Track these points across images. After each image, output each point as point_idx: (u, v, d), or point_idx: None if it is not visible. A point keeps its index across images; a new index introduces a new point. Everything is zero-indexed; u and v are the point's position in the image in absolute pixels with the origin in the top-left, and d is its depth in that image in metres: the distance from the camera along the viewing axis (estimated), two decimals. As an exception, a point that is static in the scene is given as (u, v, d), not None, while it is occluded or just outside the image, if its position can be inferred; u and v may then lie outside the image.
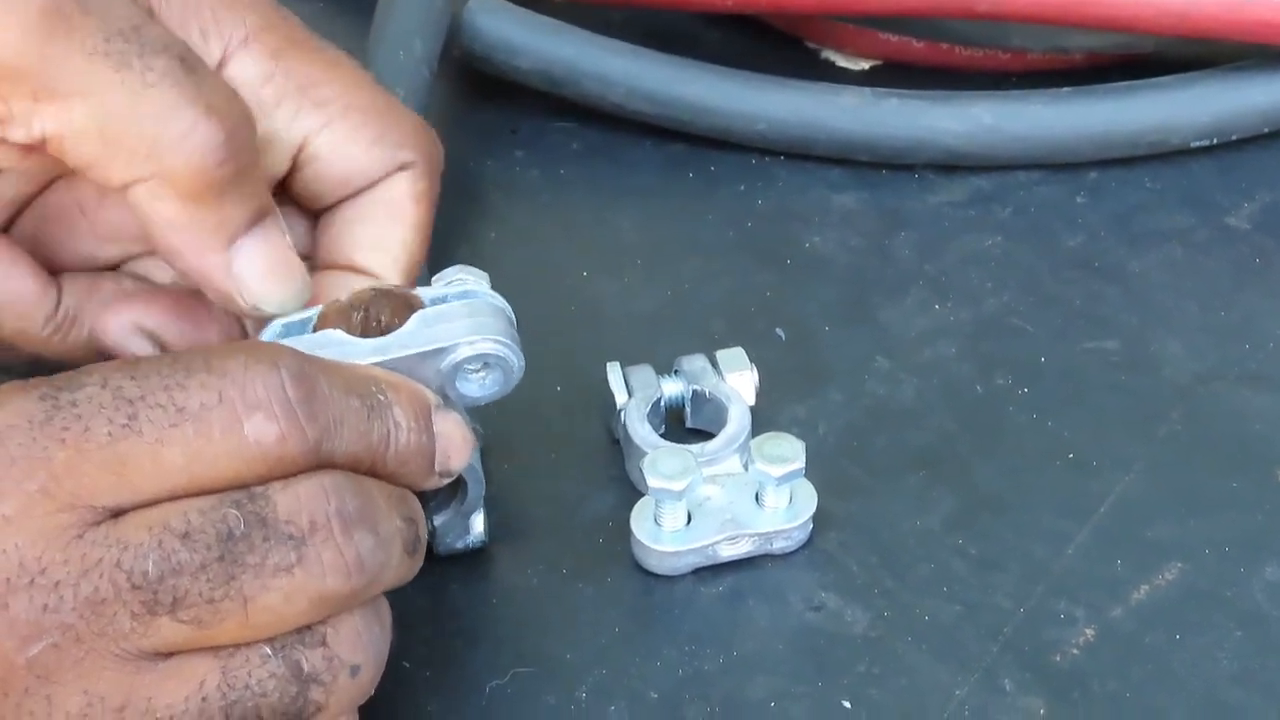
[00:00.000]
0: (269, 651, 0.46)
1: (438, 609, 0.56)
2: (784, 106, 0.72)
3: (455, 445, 0.51)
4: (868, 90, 0.72)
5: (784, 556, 0.58)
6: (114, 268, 0.58)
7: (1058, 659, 0.56)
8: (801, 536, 0.58)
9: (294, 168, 0.56)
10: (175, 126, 0.49)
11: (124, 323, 0.54)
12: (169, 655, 0.46)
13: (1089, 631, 0.56)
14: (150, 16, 0.51)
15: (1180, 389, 0.64)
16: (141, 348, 0.54)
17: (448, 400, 0.52)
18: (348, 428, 0.47)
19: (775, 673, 0.55)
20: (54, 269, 0.56)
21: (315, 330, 0.53)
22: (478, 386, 0.54)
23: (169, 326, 0.55)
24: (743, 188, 0.72)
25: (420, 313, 0.53)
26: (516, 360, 0.53)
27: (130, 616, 0.45)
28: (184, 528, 0.45)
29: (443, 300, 0.53)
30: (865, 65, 0.78)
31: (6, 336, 0.55)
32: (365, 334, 0.52)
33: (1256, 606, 0.57)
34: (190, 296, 0.56)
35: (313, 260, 0.57)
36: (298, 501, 0.46)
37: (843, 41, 0.78)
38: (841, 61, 0.78)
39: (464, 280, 0.54)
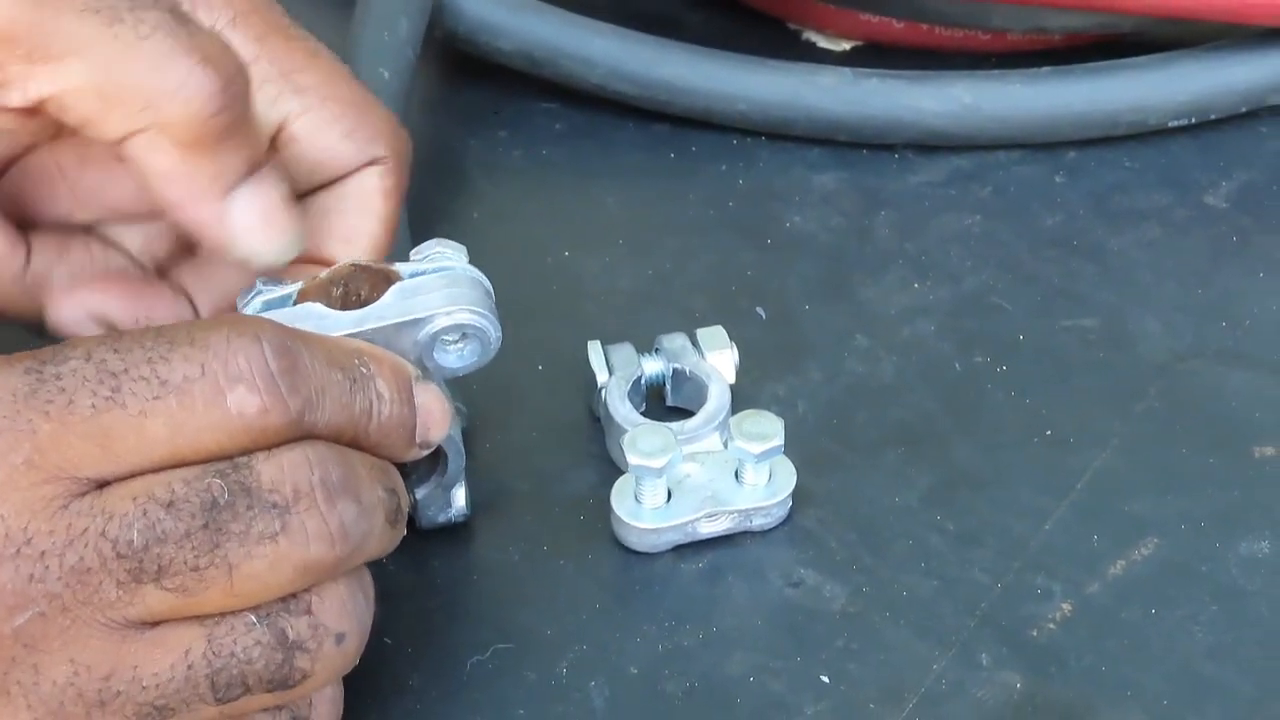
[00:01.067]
0: (254, 620, 0.46)
1: (419, 584, 0.57)
2: (764, 87, 0.72)
3: (434, 417, 0.51)
4: (848, 70, 0.72)
5: (763, 533, 0.59)
6: (88, 230, 0.58)
7: (1035, 634, 0.56)
8: (780, 513, 0.59)
9: (271, 150, 0.56)
10: (171, 76, 0.50)
11: (77, 308, 0.55)
12: (155, 624, 0.46)
13: (1066, 606, 0.57)
14: None
15: (1158, 366, 0.64)
16: (93, 332, 0.54)
17: (426, 372, 0.53)
18: (330, 399, 0.48)
19: (754, 648, 0.56)
20: (26, 226, 0.56)
21: (295, 304, 0.53)
22: (456, 357, 0.54)
23: (123, 311, 0.55)
24: (724, 167, 0.72)
25: (398, 285, 0.53)
26: (494, 331, 0.54)
27: (116, 585, 0.45)
28: (168, 497, 0.45)
29: (420, 274, 0.54)
30: (846, 46, 0.78)
31: None
32: (345, 308, 0.52)
33: (1232, 581, 0.57)
34: (144, 281, 0.56)
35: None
36: (281, 471, 0.46)
37: (823, 22, 0.78)
38: (822, 42, 0.78)
39: (443, 254, 0.54)
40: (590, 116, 0.74)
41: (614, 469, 0.60)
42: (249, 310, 0.53)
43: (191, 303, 0.56)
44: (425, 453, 0.52)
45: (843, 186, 0.71)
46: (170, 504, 0.45)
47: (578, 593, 0.57)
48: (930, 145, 0.73)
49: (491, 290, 0.54)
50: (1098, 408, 0.63)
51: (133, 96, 0.50)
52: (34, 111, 0.51)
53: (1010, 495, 0.60)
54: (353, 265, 0.54)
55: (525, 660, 0.55)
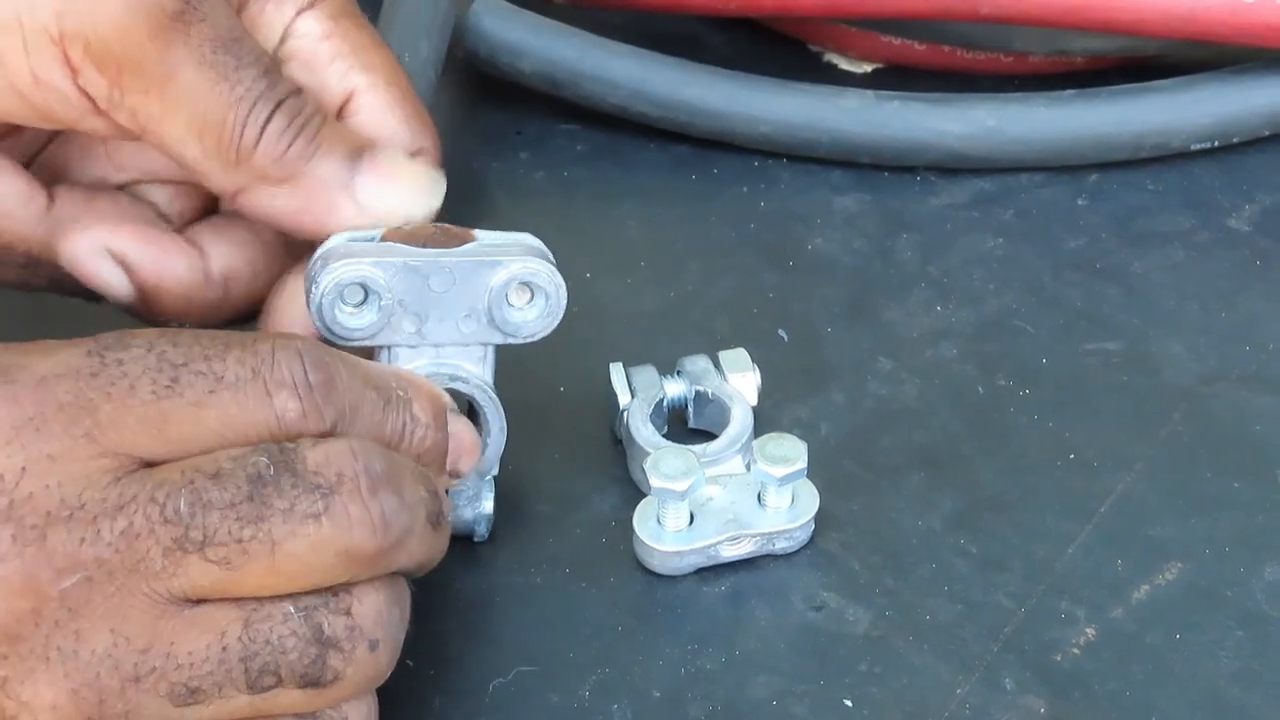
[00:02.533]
0: (292, 609, 0.47)
1: (441, 607, 0.57)
2: (787, 109, 0.72)
3: (465, 447, 0.53)
4: (870, 93, 0.72)
5: (786, 556, 0.59)
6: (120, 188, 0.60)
7: (1059, 658, 0.56)
8: (803, 536, 0.59)
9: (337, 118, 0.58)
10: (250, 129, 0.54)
11: (92, 242, 0.56)
12: (195, 603, 0.47)
13: (1090, 631, 0.57)
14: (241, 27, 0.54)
15: (1181, 390, 0.64)
16: (110, 271, 0.56)
17: (493, 324, 0.55)
18: (362, 416, 0.50)
19: (777, 672, 0.56)
20: (56, 181, 0.58)
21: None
22: (521, 316, 0.56)
23: (136, 251, 0.56)
24: (745, 189, 0.72)
25: (477, 241, 0.55)
26: (561, 292, 0.56)
27: (162, 553, 0.46)
28: (215, 469, 0.47)
29: (494, 235, 0.56)
30: (868, 68, 0.78)
31: (6, 241, 0.56)
32: None
33: (1257, 606, 0.57)
34: (158, 227, 0.57)
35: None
36: (326, 456, 0.48)
37: (845, 44, 0.78)
38: (844, 64, 0.78)
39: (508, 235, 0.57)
40: (612, 138, 0.74)
41: (636, 491, 0.60)
42: (333, 244, 0.55)
43: (204, 258, 0.57)
44: (454, 483, 0.54)
45: (865, 208, 0.71)
46: (216, 475, 0.47)
47: (600, 615, 0.57)
48: (953, 167, 0.72)
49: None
50: (1121, 432, 0.63)
51: (226, 148, 0.54)
52: (128, 131, 0.54)
53: (1034, 519, 0.60)
54: (435, 225, 0.55)
55: (548, 683, 0.55)
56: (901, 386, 0.64)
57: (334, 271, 0.54)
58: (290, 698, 0.48)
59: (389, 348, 0.56)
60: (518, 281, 0.55)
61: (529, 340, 0.56)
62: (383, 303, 0.54)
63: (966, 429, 0.63)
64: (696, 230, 0.71)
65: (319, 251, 0.55)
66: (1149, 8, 0.70)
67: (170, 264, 0.57)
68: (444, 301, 0.55)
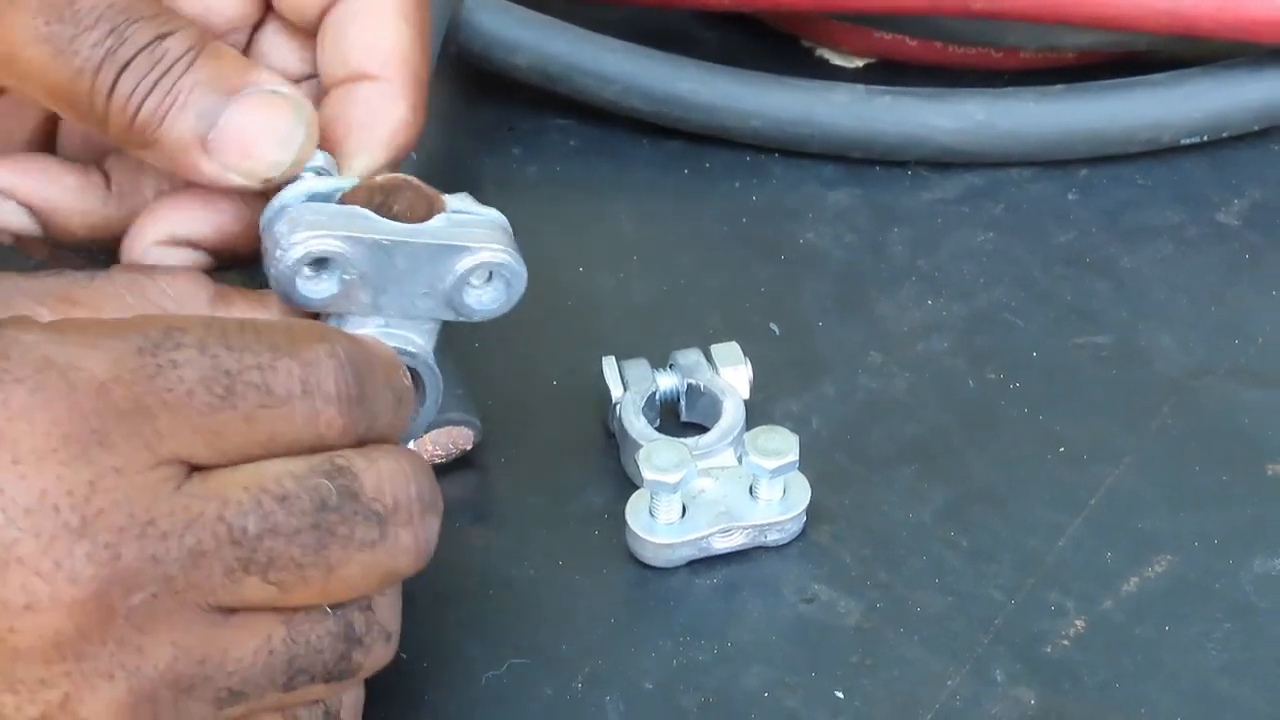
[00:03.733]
0: (328, 611, 0.48)
1: (434, 600, 0.57)
2: (778, 104, 0.72)
3: None
4: (861, 87, 0.73)
5: (777, 549, 0.59)
6: None
7: (1049, 650, 0.56)
8: (795, 529, 0.59)
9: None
10: None
11: (160, 236, 0.54)
12: (237, 610, 0.47)
13: (1079, 622, 0.57)
14: None
15: (1171, 383, 0.64)
16: (184, 258, 0.54)
17: (453, 309, 0.54)
18: (382, 419, 0.49)
19: (769, 663, 0.56)
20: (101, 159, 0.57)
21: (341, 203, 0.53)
22: (477, 299, 0.54)
23: (203, 225, 0.54)
24: (738, 184, 0.72)
25: (447, 213, 0.53)
26: (522, 280, 0.54)
27: (224, 572, 0.46)
28: (281, 491, 0.46)
29: (463, 212, 0.54)
30: (859, 63, 0.78)
31: (83, 237, 0.55)
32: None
33: (1245, 598, 0.57)
34: (208, 190, 0.55)
35: (320, 80, 0.57)
36: (381, 480, 0.48)
37: (837, 39, 0.78)
38: (836, 59, 0.78)
39: (475, 204, 0.55)
40: (604, 133, 0.74)
41: (629, 484, 0.60)
42: (291, 197, 0.52)
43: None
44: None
45: (856, 203, 0.72)
46: (283, 498, 0.46)
47: (593, 608, 0.57)
48: (943, 162, 0.73)
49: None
50: (1111, 424, 0.63)
51: None
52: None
53: (1024, 511, 0.60)
54: (403, 180, 0.54)
55: (541, 675, 0.55)
56: (892, 380, 0.64)
57: (302, 243, 0.52)
58: (314, 692, 0.48)
59: (339, 315, 0.54)
60: (483, 269, 0.54)
61: (480, 321, 0.55)
62: (345, 277, 0.52)
63: (957, 422, 0.63)
64: (688, 224, 0.71)
65: (275, 204, 0.53)
66: (1138, 3, 0.70)
67: (231, 227, 0.54)
68: (405, 278, 0.53)
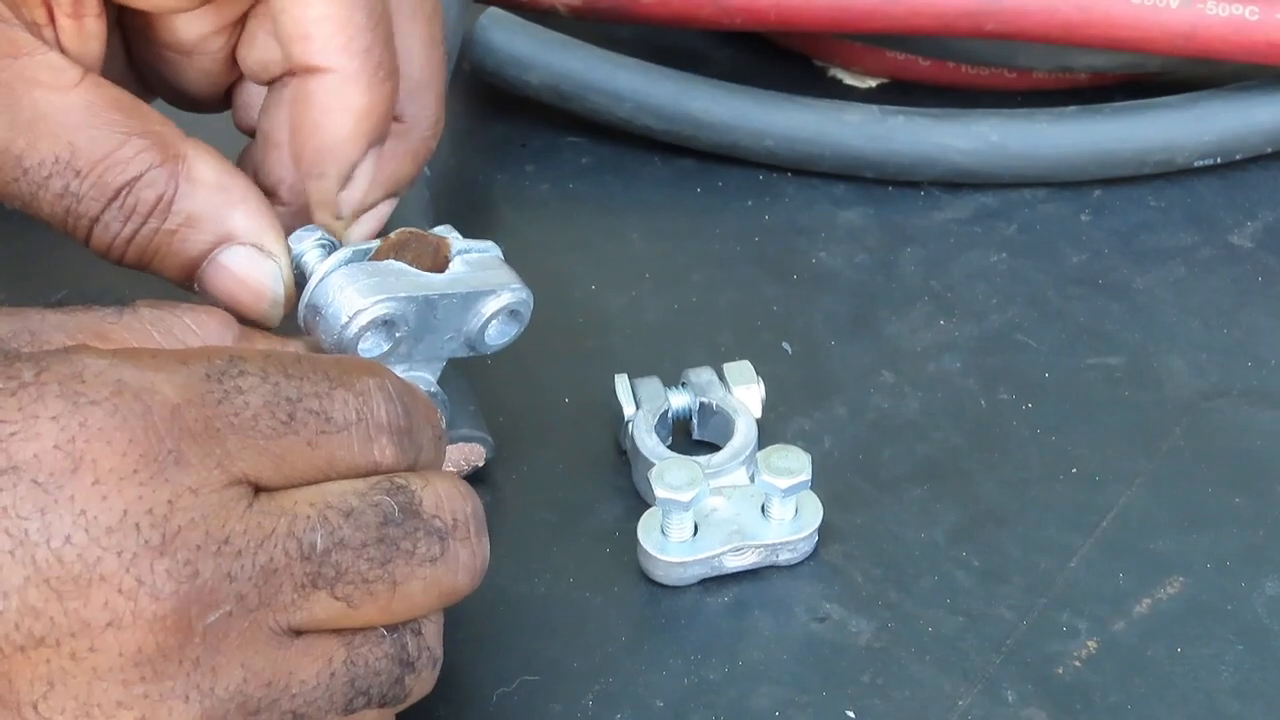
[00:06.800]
0: (385, 633, 0.48)
1: (446, 616, 0.57)
2: (791, 123, 0.72)
3: None
4: (874, 107, 0.73)
5: (789, 568, 0.59)
6: None
7: (1060, 671, 0.56)
8: (807, 548, 0.59)
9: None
10: None
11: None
12: (300, 634, 0.47)
13: (1091, 644, 0.57)
14: None
15: (1183, 405, 0.64)
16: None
17: (467, 340, 0.57)
18: (425, 453, 0.50)
19: (780, 683, 0.56)
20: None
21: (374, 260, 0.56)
22: (493, 335, 0.57)
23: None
24: (750, 203, 0.73)
25: (462, 256, 0.56)
26: (530, 309, 0.57)
27: (294, 588, 0.46)
28: (346, 507, 0.47)
29: (468, 250, 0.57)
30: (872, 83, 0.78)
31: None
32: None
33: (1257, 620, 0.57)
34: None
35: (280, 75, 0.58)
36: (440, 499, 0.48)
37: (850, 59, 0.78)
38: (849, 79, 0.78)
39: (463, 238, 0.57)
40: (617, 151, 0.74)
41: (640, 502, 0.60)
42: (335, 260, 0.55)
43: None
44: None
45: (869, 223, 0.72)
46: (349, 514, 0.47)
47: (604, 626, 0.57)
48: (956, 182, 0.73)
49: None
50: (1123, 446, 0.63)
51: None
52: None
53: (1036, 532, 0.60)
54: (409, 232, 0.56)
55: (551, 693, 0.55)
56: (904, 400, 0.64)
57: (368, 310, 0.54)
58: (368, 716, 0.48)
59: None
60: (506, 310, 0.57)
61: (491, 353, 0.58)
62: (398, 333, 0.55)
63: (969, 442, 0.63)
64: (701, 243, 0.71)
65: (318, 276, 0.55)
66: (1152, 25, 0.71)
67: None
68: (440, 326, 0.56)
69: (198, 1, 0.55)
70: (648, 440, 0.60)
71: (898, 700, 0.55)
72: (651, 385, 0.62)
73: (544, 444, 0.62)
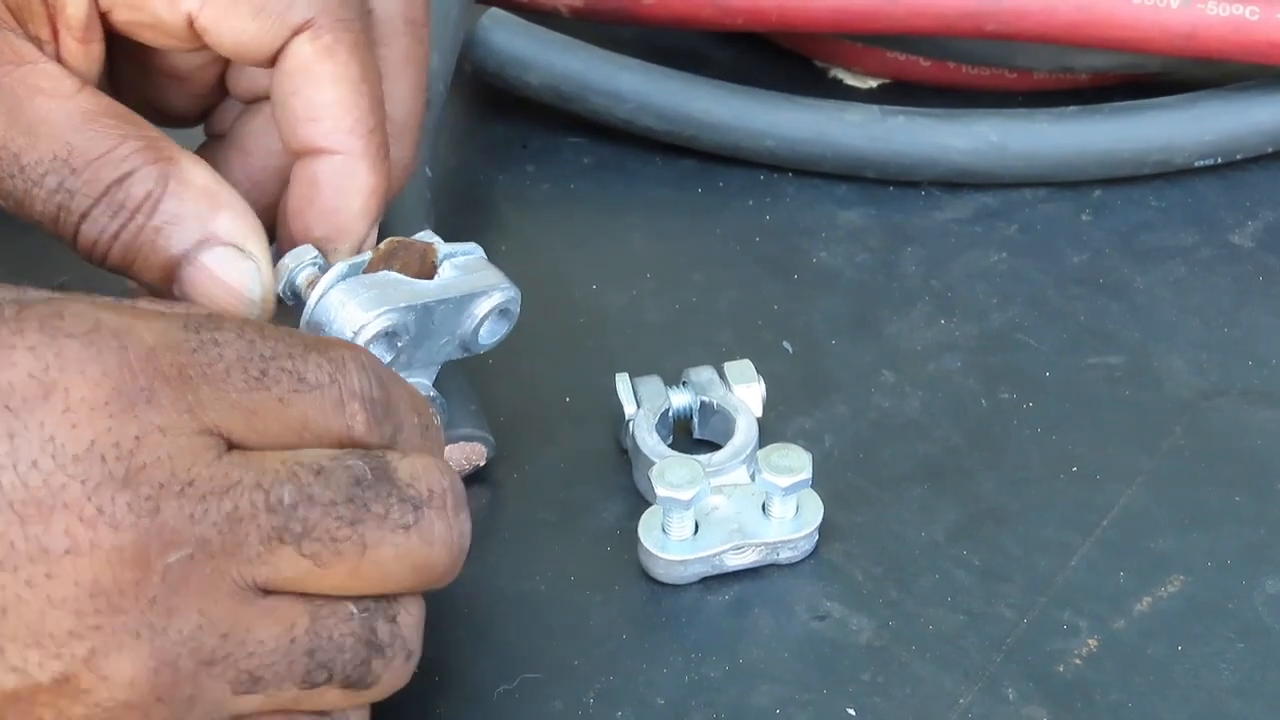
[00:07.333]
0: (354, 610, 0.48)
1: (446, 614, 0.57)
2: (792, 123, 0.73)
3: None
4: (875, 108, 0.73)
5: (790, 566, 0.59)
6: None
7: (1061, 669, 0.56)
8: (807, 546, 0.59)
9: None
10: None
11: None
12: (268, 594, 0.47)
13: (1092, 642, 0.57)
14: None
15: (1183, 404, 0.64)
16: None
17: (461, 342, 0.57)
18: (404, 438, 0.50)
19: (780, 681, 0.56)
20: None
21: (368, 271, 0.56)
22: (485, 335, 0.58)
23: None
24: (751, 203, 0.73)
25: (449, 261, 0.57)
26: (518, 305, 0.58)
27: (260, 539, 0.46)
28: (316, 465, 0.47)
29: (453, 254, 0.57)
30: (873, 83, 0.78)
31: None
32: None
33: (1258, 618, 0.57)
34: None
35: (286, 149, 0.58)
36: (416, 470, 0.49)
37: (851, 60, 0.78)
38: (849, 80, 0.78)
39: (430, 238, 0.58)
40: (618, 151, 0.74)
41: (641, 501, 0.60)
42: (332, 276, 0.55)
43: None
44: None
45: (869, 223, 0.72)
46: (319, 471, 0.47)
47: (605, 624, 0.57)
48: (957, 182, 0.73)
49: None
50: (1124, 445, 0.63)
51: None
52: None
53: (1036, 531, 0.60)
54: (396, 241, 0.56)
55: (552, 690, 0.55)
56: (905, 399, 0.65)
57: (373, 323, 0.54)
58: (330, 696, 0.48)
59: None
60: (497, 309, 0.57)
61: (478, 353, 0.58)
62: (400, 343, 0.55)
63: (969, 441, 0.63)
64: (702, 243, 0.71)
65: (320, 290, 0.55)
66: (1152, 25, 0.71)
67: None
68: (436, 331, 0.56)
69: (203, 42, 0.56)
70: (648, 439, 0.60)
71: (898, 698, 0.55)
72: (652, 384, 0.62)
73: (545, 443, 0.62)
